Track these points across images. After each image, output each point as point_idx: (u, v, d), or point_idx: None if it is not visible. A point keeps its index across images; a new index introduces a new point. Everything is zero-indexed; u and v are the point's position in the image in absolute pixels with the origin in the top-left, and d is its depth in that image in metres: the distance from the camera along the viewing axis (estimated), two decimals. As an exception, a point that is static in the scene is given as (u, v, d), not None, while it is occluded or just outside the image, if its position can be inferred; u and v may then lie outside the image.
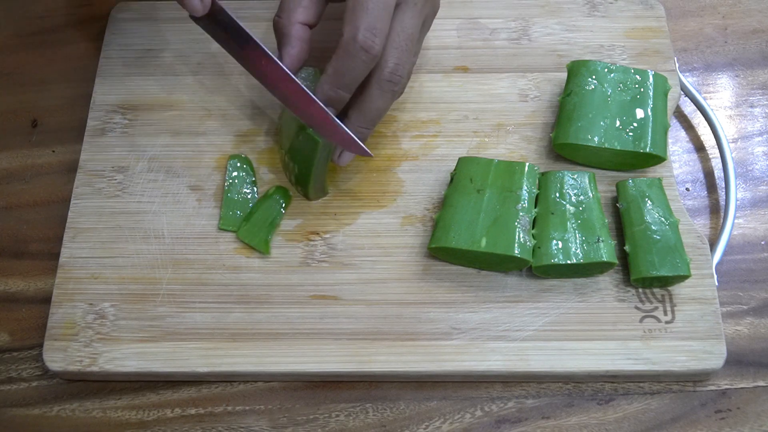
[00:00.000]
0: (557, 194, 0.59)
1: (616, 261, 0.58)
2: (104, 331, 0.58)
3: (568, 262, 0.56)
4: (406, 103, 0.66)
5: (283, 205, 0.62)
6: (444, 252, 0.59)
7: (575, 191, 0.59)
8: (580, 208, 0.58)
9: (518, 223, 0.57)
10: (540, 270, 0.58)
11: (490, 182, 0.59)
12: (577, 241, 0.57)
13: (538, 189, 0.59)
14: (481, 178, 0.59)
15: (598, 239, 0.57)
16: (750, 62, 0.71)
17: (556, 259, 0.56)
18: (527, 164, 0.59)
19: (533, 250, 0.57)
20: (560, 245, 0.57)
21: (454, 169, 0.61)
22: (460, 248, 0.57)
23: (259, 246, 0.60)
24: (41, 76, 0.71)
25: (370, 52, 0.54)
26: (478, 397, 0.58)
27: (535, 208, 0.58)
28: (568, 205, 0.58)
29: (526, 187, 0.58)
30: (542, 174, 0.60)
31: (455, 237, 0.57)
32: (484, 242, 0.56)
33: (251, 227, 0.61)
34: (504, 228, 0.57)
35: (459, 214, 0.58)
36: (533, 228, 0.58)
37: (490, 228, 0.57)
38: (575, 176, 0.59)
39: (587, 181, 0.59)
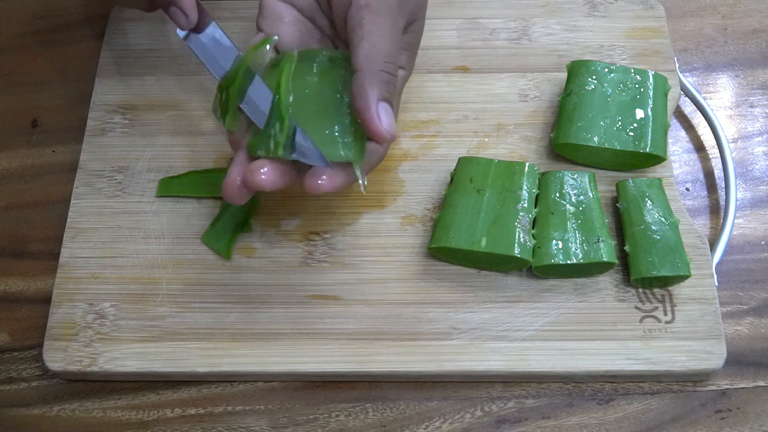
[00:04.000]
0: (557, 194, 0.59)
1: (616, 261, 0.58)
2: (104, 331, 0.58)
3: (568, 262, 0.56)
4: (406, 103, 0.66)
5: (250, 209, 0.61)
6: (444, 252, 0.59)
7: (575, 191, 0.59)
8: (580, 208, 0.58)
9: (518, 223, 0.57)
10: (540, 270, 0.58)
11: (490, 182, 0.59)
12: (577, 241, 0.57)
13: (538, 189, 0.59)
14: (481, 178, 0.59)
15: (598, 239, 0.57)
16: (750, 62, 0.71)
17: (556, 259, 0.56)
18: (527, 164, 0.59)
19: (533, 250, 0.57)
20: (560, 245, 0.57)
21: (454, 169, 0.61)
22: (460, 248, 0.57)
23: (221, 251, 0.60)
24: (41, 76, 0.71)
25: None
26: (478, 397, 0.58)
27: (535, 208, 0.58)
28: (568, 205, 0.58)
29: (526, 187, 0.58)
30: (542, 174, 0.60)
31: (455, 237, 0.57)
32: (484, 242, 0.56)
33: (216, 232, 0.60)
34: (504, 228, 0.57)
35: (459, 214, 0.58)
36: (533, 228, 0.58)
37: (490, 228, 0.57)
38: (575, 176, 0.59)
39: (587, 181, 0.59)
